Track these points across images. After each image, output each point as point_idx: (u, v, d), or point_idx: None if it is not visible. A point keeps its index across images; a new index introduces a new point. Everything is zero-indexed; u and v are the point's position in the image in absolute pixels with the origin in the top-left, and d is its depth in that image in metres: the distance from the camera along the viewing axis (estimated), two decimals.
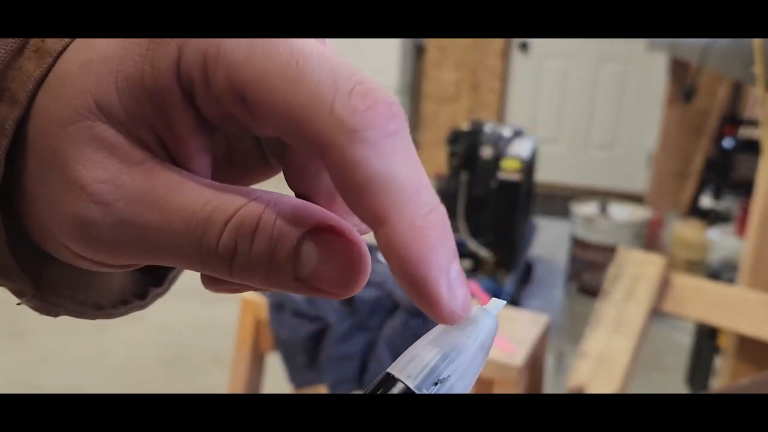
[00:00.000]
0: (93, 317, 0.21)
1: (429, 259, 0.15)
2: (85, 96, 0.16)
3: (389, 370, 0.16)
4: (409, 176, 0.15)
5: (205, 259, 0.16)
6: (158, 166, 0.17)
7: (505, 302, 0.18)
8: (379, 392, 0.16)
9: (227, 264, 0.16)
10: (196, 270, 0.17)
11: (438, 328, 0.17)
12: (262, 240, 0.16)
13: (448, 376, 0.16)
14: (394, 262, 0.15)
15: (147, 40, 0.16)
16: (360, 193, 0.15)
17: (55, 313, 0.20)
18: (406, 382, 0.16)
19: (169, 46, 0.16)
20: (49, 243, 0.18)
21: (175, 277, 0.22)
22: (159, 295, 0.22)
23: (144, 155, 0.17)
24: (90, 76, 0.16)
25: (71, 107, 0.16)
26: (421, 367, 0.16)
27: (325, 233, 0.16)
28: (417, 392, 0.16)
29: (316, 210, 0.17)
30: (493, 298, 0.18)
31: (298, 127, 0.15)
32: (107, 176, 0.16)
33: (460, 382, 0.17)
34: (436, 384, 0.16)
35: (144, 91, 0.16)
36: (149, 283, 0.22)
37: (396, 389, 0.16)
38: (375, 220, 0.15)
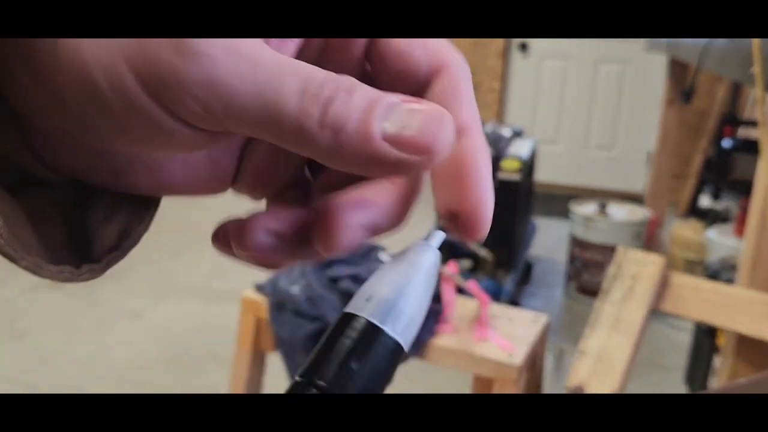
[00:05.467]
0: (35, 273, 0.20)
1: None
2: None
3: (348, 309, 0.17)
4: None
5: (305, 99, 0.16)
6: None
7: (444, 234, 0.19)
8: (343, 331, 0.17)
9: (322, 108, 0.16)
10: (282, 122, 0.16)
11: (386, 266, 0.18)
12: (362, 95, 0.17)
13: (405, 309, 0.17)
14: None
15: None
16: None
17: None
18: (370, 320, 0.17)
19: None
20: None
21: (112, 260, 0.21)
22: (94, 272, 0.21)
23: None
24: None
25: None
26: (382, 303, 0.17)
27: (415, 101, 0.17)
28: (380, 326, 0.17)
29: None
30: (435, 231, 0.19)
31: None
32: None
33: (417, 313, 0.18)
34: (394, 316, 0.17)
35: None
36: (86, 258, 0.21)
37: (359, 325, 0.17)
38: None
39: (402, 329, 0.17)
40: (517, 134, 2.44)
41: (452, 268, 1.30)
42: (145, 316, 2.17)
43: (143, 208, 0.22)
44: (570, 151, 3.82)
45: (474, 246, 2.22)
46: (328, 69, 0.20)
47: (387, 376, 0.17)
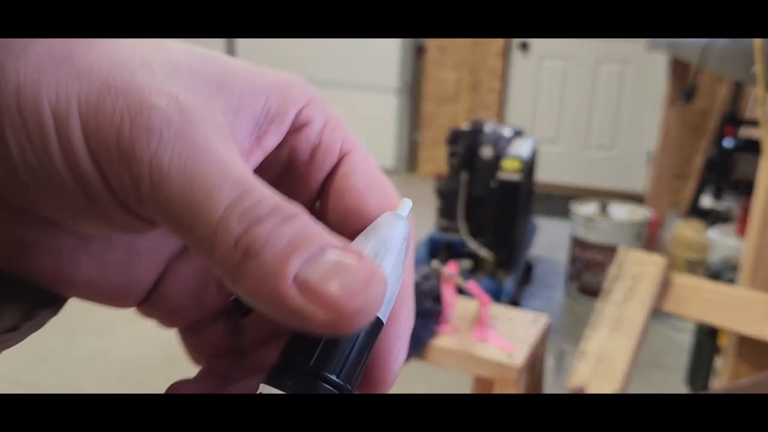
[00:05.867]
0: None
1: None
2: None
3: None
4: None
5: (233, 210, 0.15)
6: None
7: (411, 203, 0.19)
8: None
9: (246, 226, 0.15)
10: (198, 225, 0.15)
11: (356, 241, 0.17)
12: (296, 227, 0.15)
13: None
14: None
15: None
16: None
17: None
18: None
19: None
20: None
21: (9, 341, 0.19)
22: (12, 339, 0.19)
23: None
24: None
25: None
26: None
27: (353, 253, 0.16)
28: None
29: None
30: (403, 199, 0.19)
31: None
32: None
33: (393, 285, 0.17)
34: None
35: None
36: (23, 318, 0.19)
37: None
38: None
39: None
40: (518, 134, 2.44)
41: (452, 268, 1.29)
42: None
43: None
44: (570, 151, 3.81)
45: (474, 246, 2.21)
46: (285, 192, 0.19)
47: (368, 350, 0.17)
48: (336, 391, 0.16)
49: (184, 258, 0.20)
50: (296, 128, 0.19)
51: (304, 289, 0.15)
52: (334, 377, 0.16)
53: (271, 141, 0.18)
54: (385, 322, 0.17)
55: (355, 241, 0.18)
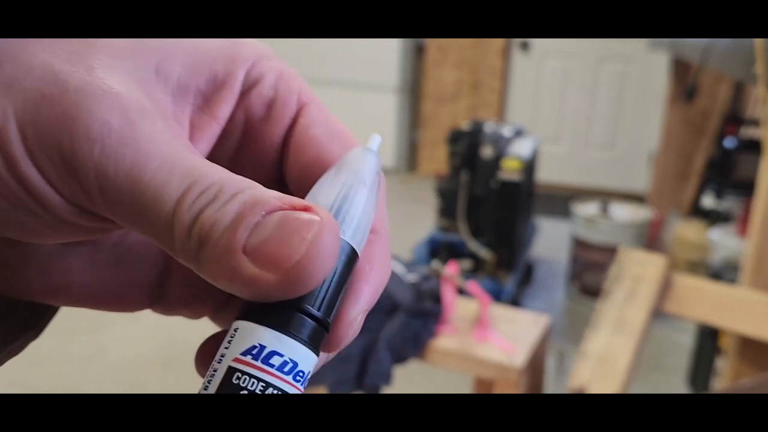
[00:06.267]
0: None
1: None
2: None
3: None
4: None
5: (183, 202, 0.15)
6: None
7: (380, 138, 0.19)
8: None
9: (196, 213, 0.15)
10: (155, 225, 0.15)
11: (326, 175, 0.17)
12: (237, 202, 0.15)
13: (353, 212, 0.17)
14: None
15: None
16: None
17: None
18: None
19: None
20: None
21: (11, 351, 0.19)
22: (11, 352, 0.19)
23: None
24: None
25: None
26: (329, 209, 0.16)
27: (301, 208, 0.15)
28: None
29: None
30: (373, 135, 0.19)
31: None
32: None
33: (366, 217, 0.17)
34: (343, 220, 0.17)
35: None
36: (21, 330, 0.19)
37: None
38: None
39: (353, 233, 0.17)
40: (518, 133, 2.43)
41: (453, 268, 1.29)
42: (143, 316, 2.17)
43: (39, 310, 0.19)
44: (571, 151, 3.81)
45: (475, 246, 2.21)
46: (248, 153, 0.18)
47: (344, 283, 0.17)
48: (314, 323, 0.16)
49: None
50: (248, 87, 0.18)
51: (253, 256, 0.14)
52: (312, 309, 0.16)
53: (225, 108, 0.18)
54: (359, 253, 0.17)
55: (325, 174, 0.17)
